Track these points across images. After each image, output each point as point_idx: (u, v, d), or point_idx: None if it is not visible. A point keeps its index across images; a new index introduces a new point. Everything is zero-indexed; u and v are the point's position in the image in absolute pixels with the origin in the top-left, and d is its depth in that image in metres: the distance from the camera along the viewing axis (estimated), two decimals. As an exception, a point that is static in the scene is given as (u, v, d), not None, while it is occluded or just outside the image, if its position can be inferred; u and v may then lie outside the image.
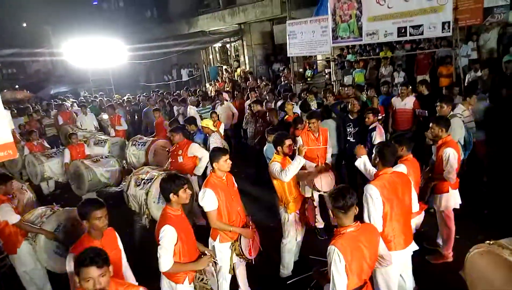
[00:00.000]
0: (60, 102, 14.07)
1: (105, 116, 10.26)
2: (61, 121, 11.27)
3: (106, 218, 2.88)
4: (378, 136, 5.45)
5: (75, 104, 14.63)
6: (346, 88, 8.32)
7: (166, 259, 3.00)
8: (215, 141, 6.20)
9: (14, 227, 4.19)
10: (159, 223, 3.12)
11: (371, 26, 9.28)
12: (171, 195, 3.12)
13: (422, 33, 8.55)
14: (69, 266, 2.79)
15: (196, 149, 5.70)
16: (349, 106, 6.17)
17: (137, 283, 3.01)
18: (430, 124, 4.45)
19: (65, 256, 4.39)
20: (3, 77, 25.62)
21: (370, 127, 5.56)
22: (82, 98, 17.17)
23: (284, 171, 4.03)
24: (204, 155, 5.60)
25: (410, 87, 7.59)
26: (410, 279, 3.49)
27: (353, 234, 2.64)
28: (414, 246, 3.38)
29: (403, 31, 8.78)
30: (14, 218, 4.14)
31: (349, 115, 6.15)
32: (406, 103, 7.06)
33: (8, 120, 2.93)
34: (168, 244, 3.01)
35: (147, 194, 5.41)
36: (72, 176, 7.13)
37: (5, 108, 2.90)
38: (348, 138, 6.12)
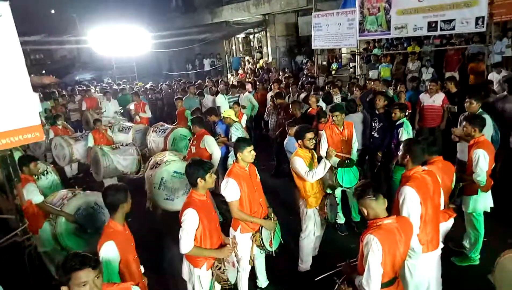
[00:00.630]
0: (85, 88, 14.30)
1: (131, 106, 10.38)
2: (85, 107, 11.48)
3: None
4: (405, 133, 5.28)
5: (97, 91, 14.84)
6: (372, 82, 8.09)
7: (186, 241, 3.03)
8: (237, 131, 6.14)
9: (37, 207, 4.27)
10: (183, 207, 3.15)
11: (400, 20, 9.03)
12: (198, 180, 3.13)
13: (453, 28, 8.26)
14: None
15: (209, 143, 5.57)
16: (376, 100, 5.98)
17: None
18: (464, 123, 4.27)
19: (84, 238, 4.53)
20: (31, 63, 26.22)
21: (397, 123, 5.38)
22: (106, 84, 17.41)
23: (310, 173, 3.96)
24: (214, 152, 5.49)
25: (440, 83, 7.35)
26: (439, 281, 3.37)
27: (390, 226, 2.58)
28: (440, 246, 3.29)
29: (433, 25, 8.50)
30: (38, 199, 4.21)
31: (376, 110, 5.98)
32: (434, 99, 6.88)
33: (37, 103, 2.94)
34: (190, 227, 3.03)
35: (150, 178, 5.46)
36: (92, 161, 7.26)
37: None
38: (372, 133, 5.96)
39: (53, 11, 27.50)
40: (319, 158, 4.27)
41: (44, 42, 20.00)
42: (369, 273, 2.49)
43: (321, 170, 3.97)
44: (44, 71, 22.98)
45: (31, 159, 4.59)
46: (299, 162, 4.03)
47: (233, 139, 6.09)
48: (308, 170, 3.98)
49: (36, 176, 4.83)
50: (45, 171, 5.77)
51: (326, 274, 3.02)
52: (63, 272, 2.01)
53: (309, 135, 4.10)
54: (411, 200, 2.97)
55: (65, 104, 11.97)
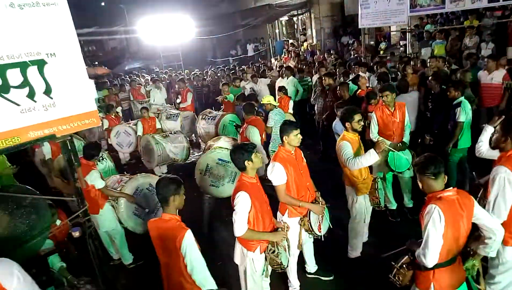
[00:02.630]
0: (134, 77, 14.84)
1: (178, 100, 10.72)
2: (132, 97, 11.94)
3: None
4: (463, 113, 4.92)
5: (148, 80, 15.33)
6: (429, 60, 7.55)
7: (240, 224, 3.05)
8: (276, 117, 6.10)
9: (99, 190, 4.54)
10: (235, 190, 3.17)
11: (456, -8, 8.40)
12: (246, 162, 3.14)
13: (519, -3, 7.53)
14: None
15: (250, 134, 5.57)
16: (429, 80, 5.64)
17: None
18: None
19: (142, 218, 4.79)
20: (84, 54, 27.54)
21: (454, 103, 5.03)
22: (154, 74, 17.99)
23: (354, 161, 3.75)
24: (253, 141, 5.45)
25: (501, 59, 6.77)
26: None
27: (451, 198, 2.45)
28: None
29: (495, -5, 7.81)
30: (101, 184, 4.48)
31: (431, 89, 5.65)
32: (493, 77, 6.38)
33: (93, 90, 3.06)
34: (242, 210, 3.04)
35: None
36: (143, 149, 7.53)
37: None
38: (426, 113, 5.66)
39: (103, 4, 28.62)
40: (370, 143, 4.10)
41: (96, 33, 20.92)
42: (427, 243, 2.39)
43: (366, 161, 3.72)
44: (97, 62, 24.10)
45: (96, 146, 4.92)
46: (345, 147, 3.86)
47: (270, 124, 6.07)
48: (352, 157, 3.79)
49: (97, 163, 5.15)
50: (101, 158, 6.12)
51: (394, 251, 2.93)
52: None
53: (357, 117, 3.91)
54: (506, 181, 2.69)
55: (117, 94, 12.51)
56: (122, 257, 4.92)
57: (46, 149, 6.25)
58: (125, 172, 5.53)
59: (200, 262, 2.65)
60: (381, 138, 4.10)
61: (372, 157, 3.69)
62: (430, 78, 5.79)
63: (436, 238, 2.37)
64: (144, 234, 4.80)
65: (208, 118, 7.82)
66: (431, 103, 5.62)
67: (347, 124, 3.98)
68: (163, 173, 7.72)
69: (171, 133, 7.65)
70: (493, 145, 3.01)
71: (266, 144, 6.26)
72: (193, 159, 8.35)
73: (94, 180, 4.44)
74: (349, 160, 3.79)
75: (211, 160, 5.42)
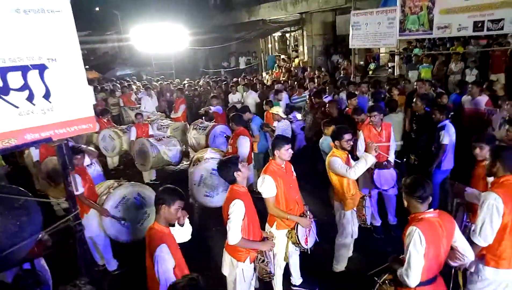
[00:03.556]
0: (126, 84, 14.84)
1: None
2: (122, 103, 11.94)
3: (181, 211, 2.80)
4: (447, 136, 5.13)
5: (140, 87, 15.33)
6: (416, 83, 7.82)
7: (234, 232, 3.08)
8: (283, 127, 6.21)
9: (86, 193, 4.49)
10: (227, 199, 3.21)
11: (443, 19, 8.74)
12: (235, 173, 3.21)
13: (502, 28, 7.88)
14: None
15: (241, 147, 5.60)
16: (416, 102, 5.85)
17: None
18: (507, 126, 4.11)
19: (126, 227, 4.74)
20: (75, 58, 27.34)
21: (438, 125, 5.23)
22: (145, 81, 17.98)
23: (352, 169, 3.87)
24: (241, 152, 5.50)
25: (484, 86, 7.06)
26: None
27: (431, 220, 2.55)
28: None
29: (479, 25, 8.16)
30: (78, 191, 4.38)
31: (415, 111, 5.86)
32: (476, 102, 6.62)
33: (91, 95, 3.11)
34: (238, 218, 3.09)
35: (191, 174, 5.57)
36: (137, 152, 7.54)
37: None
38: (410, 133, 5.86)
39: (97, 9, 28.63)
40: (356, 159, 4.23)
41: (89, 40, 20.87)
42: (409, 264, 2.47)
43: (363, 165, 3.84)
44: (87, 67, 23.98)
45: (79, 151, 4.88)
46: (338, 162, 3.98)
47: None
48: (348, 168, 3.91)
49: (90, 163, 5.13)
50: (90, 163, 6.09)
51: (378, 269, 3.02)
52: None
53: (347, 136, 4.03)
54: (493, 207, 2.78)
55: (106, 99, 12.47)
56: (107, 263, 4.88)
57: (35, 152, 6.21)
58: (121, 178, 5.48)
59: (165, 278, 2.57)
60: (370, 141, 4.21)
61: (368, 159, 3.82)
62: (415, 100, 6.01)
63: (417, 259, 2.46)
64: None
65: (199, 128, 7.89)
66: (416, 124, 5.81)
67: (336, 142, 4.09)
68: (151, 180, 7.72)
69: (164, 137, 7.73)
70: (486, 172, 3.13)
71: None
72: (181, 167, 8.37)
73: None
74: (348, 170, 3.89)
75: (205, 170, 5.44)
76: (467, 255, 2.68)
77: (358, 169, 3.86)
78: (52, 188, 6.08)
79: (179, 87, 12.72)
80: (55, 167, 5.67)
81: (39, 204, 3.19)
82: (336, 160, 4.01)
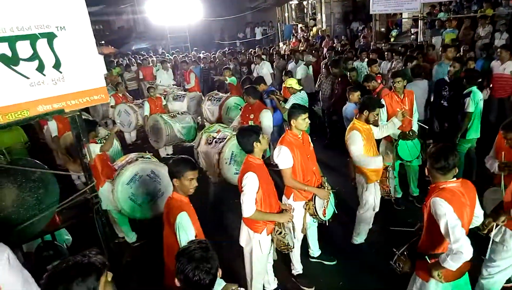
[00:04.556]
0: (143, 57, 14.75)
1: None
2: (141, 76, 11.89)
3: (196, 181, 2.75)
4: (472, 103, 4.85)
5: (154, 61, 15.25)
6: (440, 48, 7.43)
7: (248, 205, 3.04)
8: (297, 101, 6.02)
9: (100, 167, 4.50)
10: (242, 171, 3.15)
11: (472, -21, 8.20)
12: (255, 144, 3.12)
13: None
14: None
15: (265, 119, 5.46)
16: (449, 67, 5.59)
17: None
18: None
19: (139, 204, 4.69)
20: (91, 33, 27.37)
21: (464, 92, 4.96)
22: (161, 55, 17.83)
23: (361, 158, 3.83)
24: (266, 126, 5.36)
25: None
26: None
27: (455, 189, 2.42)
28: None
29: (512, -16, 7.61)
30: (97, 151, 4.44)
31: (446, 78, 5.60)
32: (505, 67, 6.29)
33: (102, 66, 3.03)
34: (251, 190, 3.03)
35: (219, 154, 5.30)
36: (150, 129, 7.49)
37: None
38: (441, 102, 5.62)
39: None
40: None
41: (103, 12, 20.71)
42: (455, 235, 2.27)
43: (371, 164, 3.84)
44: (103, 42, 23.92)
45: (94, 124, 4.87)
46: (355, 141, 3.84)
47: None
48: (360, 154, 3.83)
49: (99, 141, 5.12)
50: (107, 137, 6.10)
51: (403, 229, 2.95)
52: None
53: (377, 111, 3.94)
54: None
55: (121, 74, 12.42)
56: (125, 235, 4.96)
57: (53, 127, 6.26)
58: (147, 151, 5.42)
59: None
60: (401, 111, 4.27)
61: (377, 164, 3.82)
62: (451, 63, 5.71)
63: (460, 228, 2.29)
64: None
65: (214, 100, 7.79)
66: (448, 92, 5.55)
67: (364, 112, 3.92)
68: (168, 155, 7.73)
69: (178, 114, 7.63)
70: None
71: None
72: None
73: (93, 151, 4.32)
74: (357, 156, 3.85)
75: (236, 147, 5.28)
76: (479, 216, 2.65)
77: (364, 163, 3.83)
78: (71, 162, 6.15)
79: (183, 59, 12.54)
80: (73, 142, 5.70)
81: (56, 177, 3.20)
82: (355, 136, 3.85)
